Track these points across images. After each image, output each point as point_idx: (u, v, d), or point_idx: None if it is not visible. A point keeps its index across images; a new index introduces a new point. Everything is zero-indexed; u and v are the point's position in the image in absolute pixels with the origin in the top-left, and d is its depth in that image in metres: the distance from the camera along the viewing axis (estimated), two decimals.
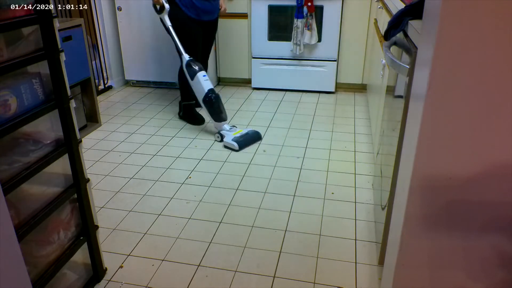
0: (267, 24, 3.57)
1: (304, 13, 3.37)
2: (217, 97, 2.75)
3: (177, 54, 2.88)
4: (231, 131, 2.74)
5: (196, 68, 2.76)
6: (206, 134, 2.87)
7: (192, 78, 2.76)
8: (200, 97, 2.76)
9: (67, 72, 1.30)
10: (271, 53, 3.66)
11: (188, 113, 3.08)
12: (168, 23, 2.78)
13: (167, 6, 2.77)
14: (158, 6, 2.78)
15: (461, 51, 0.79)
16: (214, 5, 2.90)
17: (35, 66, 1.21)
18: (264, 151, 2.54)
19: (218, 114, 2.74)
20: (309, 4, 3.34)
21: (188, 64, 2.77)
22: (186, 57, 2.79)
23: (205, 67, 3.20)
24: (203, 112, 3.02)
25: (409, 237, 0.99)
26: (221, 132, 2.73)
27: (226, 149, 2.63)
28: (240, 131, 2.73)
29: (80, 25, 2.74)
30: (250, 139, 2.71)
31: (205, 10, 2.85)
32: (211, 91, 2.74)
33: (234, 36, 3.69)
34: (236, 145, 2.61)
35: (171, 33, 2.79)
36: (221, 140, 2.71)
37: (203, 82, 2.75)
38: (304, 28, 3.43)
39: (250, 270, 1.63)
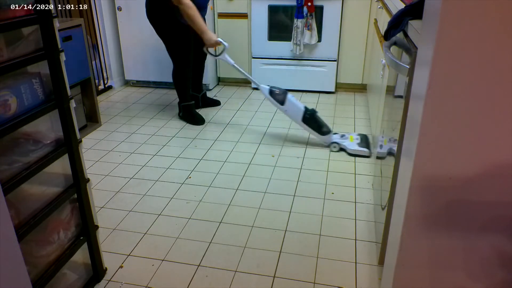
0: (267, 24, 3.57)
1: (304, 13, 3.37)
2: (314, 111, 2.66)
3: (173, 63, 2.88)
4: (346, 139, 2.65)
5: (282, 92, 2.68)
6: (206, 134, 2.87)
7: (282, 104, 2.66)
8: (298, 118, 2.65)
9: (67, 72, 1.30)
10: (271, 53, 3.66)
11: (188, 114, 3.08)
12: (232, 61, 2.76)
13: (227, 45, 2.71)
14: (215, 48, 2.72)
15: (461, 51, 0.79)
16: (205, 13, 2.90)
17: (35, 66, 1.22)
18: (273, 156, 2.53)
19: (323, 127, 2.65)
20: (309, 4, 3.34)
21: (272, 92, 2.68)
22: (264, 86, 2.71)
23: (202, 70, 3.22)
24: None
25: (409, 237, 0.99)
26: (336, 141, 2.61)
27: (226, 149, 2.63)
28: (352, 137, 2.66)
29: (80, 25, 2.74)
30: (367, 141, 2.65)
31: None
32: (306, 108, 2.66)
33: (234, 36, 3.69)
34: (367, 151, 2.52)
35: (239, 69, 2.75)
36: (338, 150, 2.60)
37: (297, 103, 2.67)
38: (304, 28, 3.43)
39: (250, 270, 1.63)
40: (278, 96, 2.66)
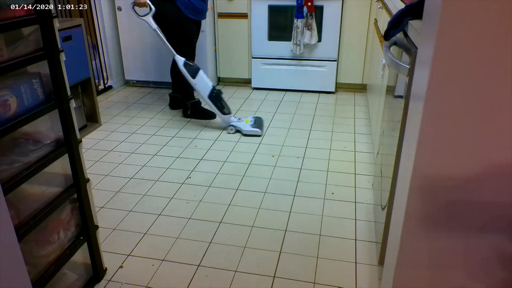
0: (267, 24, 3.57)
1: (304, 13, 3.37)
2: (221, 92, 2.88)
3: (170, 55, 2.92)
4: (242, 121, 2.90)
5: (195, 66, 2.85)
6: (206, 134, 2.87)
7: (194, 77, 2.82)
8: (205, 94, 2.84)
9: (67, 72, 1.30)
10: (271, 53, 3.66)
11: (198, 110, 3.14)
12: (154, 25, 2.81)
13: (153, 8, 2.78)
14: (142, 9, 2.77)
15: (461, 51, 0.79)
16: (207, 5, 3.00)
17: (35, 66, 1.21)
18: (273, 156, 2.54)
19: (224, 108, 2.88)
20: (309, 4, 3.34)
21: (186, 64, 2.83)
22: (180, 58, 2.84)
23: None
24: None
25: (409, 237, 0.99)
26: (233, 124, 2.86)
27: (226, 149, 2.63)
28: (247, 120, 2.91)
29: (80, 25, 2.74)
30: (261, 123, 2.92)
31: (201, 10, 2.94)
32: (214, 87, 2.86)
33: (234, 36, 3.69)
34: (259, 131, 2.80)
35: (159, 34, 2.82)
36: (235, 132, 2.85)
37: (206, 79, 2.86)
38: (304, 28, 3.43)
39: (250, 270, 1.63)
40: (191, 70, 2.83)
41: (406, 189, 0.95)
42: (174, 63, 3.10)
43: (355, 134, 2.84)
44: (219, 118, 2.92)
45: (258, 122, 2.91)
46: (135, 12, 2.82)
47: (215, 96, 2.85)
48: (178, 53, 2.91)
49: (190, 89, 3.07)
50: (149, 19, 2.79)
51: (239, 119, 2.95)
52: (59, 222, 1.37)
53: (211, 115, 3.12)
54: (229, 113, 2.90)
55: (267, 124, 3.02)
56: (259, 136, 2.81)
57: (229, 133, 2.86)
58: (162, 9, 2.82)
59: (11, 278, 1.02)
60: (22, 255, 1.05)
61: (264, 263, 1.66)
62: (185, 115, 3.19)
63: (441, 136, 0.86)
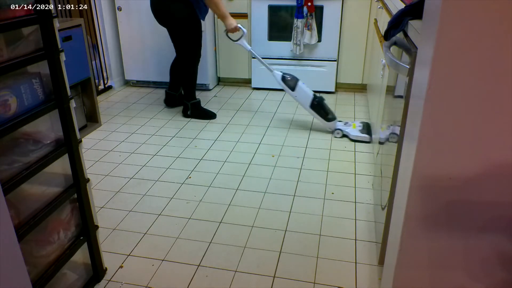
0: (267, 24, 3.57)
1: (304, 13, 3.37)
2: (322, 99, 2.84)
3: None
4: (349, 126, 2.83)
5: (293, 79, 2.85)
6: (206, 134, 2.87)
7: (293, 89, 2.83)
8: (306, 104, 2.83)
9: (67, 72, 1.30)
10: (271, 53, 3.66)
11: (198, 111, 3.16)
12: (249, 47, 2.96)
13: (245, 31, 2.93)
14: (234, 34, 2.91)
15: (461, 51, 0.79)
16: (206, 14, 3.04)
17: (35, 66, 1.21)
18: (273, 156, 2.54)
19: (329, 114, 2.82)
20: (309, 4, 3.34)
21: (284, 78, 2.85)
22: (277, 73, 2.87)
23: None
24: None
25: (409, 237, 0.99)
26: (339, 128, 2.80)
27: (226, 149, 2.63)
28: (355, 125, 2.84)
29: (80, 25, 2.74)
30: (369, 128, 2.80)
31: (207, 11, 2.99)
32: (315, 95, 2.84)
33: (234, 36, 3.69)
34: (367, 137, 2.71)
35: (255, 55, 2.98)
36: (341, 136, 2.79)
37: (306, 89, 2.85)
38: (304, 28, 3.43)
39: (250, 270, 1.63)
40: (290, 82, 2.83)
41: (406, 189, 0.95)
42: (176, 61, 3.15)
43: None
44: (324, 125, 2.85)
45: (366, 127, 2.79)
46: (229, 37, 2.95)
47: (317, 105, 2.80)
48: (189, 55, 2.98)
49: (192, 89, 3.09)
50: (243, 42, 2.95)
51: (346, 123, 2.87)
52: (59, 222, 1.37)
53: (211, 115, 3.14)
54: (334, 118, 2.82)
55: (267, 124, 3.02)
56: (368, 142, 2.69)
57: (336, 137, 2.79)
58: (176, 11, 2.82)
59: (11, 278, 1.02)
60: (22, 255, 1.05)
61: (264, 263, 1.66)
62: (185, 115, 3.20)
63: (441, 136, 0.86)
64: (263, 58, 3.68)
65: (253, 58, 3.70)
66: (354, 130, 2.76)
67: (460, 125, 0.84)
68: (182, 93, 3.28)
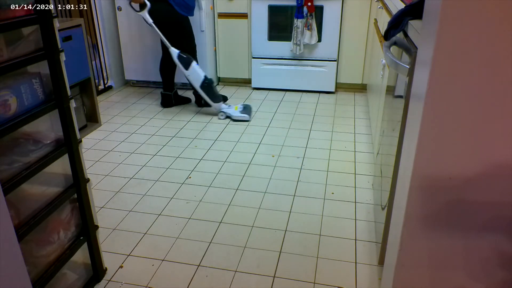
0: (267, 24, 3.57)
1: (304, 13, 3.37)
2: (212, 81, 3.09)
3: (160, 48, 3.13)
4: (232, 108, 3.12)
5: (189, 58, 3.02)
6: (206, 134, 2.87)
7: (187, 68, 3.02)
8: (197, 84, 3.05)
9: (67, 72, 1.30)
10: (271, 53, 3.66)
11: (175, 98, 3.37)
12: (150, 20, 2.96)
13: (148, 4, 2.91)
14: (137, 4, 2.93)
15: (461, 51, 0.79)
16: (195, 2, 3.15)
17: (35, 66, 1.22)
18: (273, 156, 2.54)
19: (216, 96, 3.09)
20: (309, 4, 3.34)
21: (180, 56, 3.01)
22: (174, 50, 3.01)
23: (174, 68, 3.35)
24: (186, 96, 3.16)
25: (409, 237, 0.99)
26: (223, 111, 3.09)
27: (226, 149, 2.63)
28: (237, 107, 3.13)
29: (80, 25, 2.74)
30: (249, 109, 3.15)
31: (192, 7, 3.09)
32: (206, 77, 3.06)
33: (234, 36, 3.69)
34: (247, 116, 3.03)
35: (155, 28, 2.98)
36: (225, 118, 3.08)
37: (198, 70, 3.06)
38: (304, 28, 3.43)
39: (250, 270, 1.63)
40: (185, 61, 3.02)
41: (406, 189, 0.95)
42: (163, 61, 3.25)
43: (355, 134, 2.85)
44: (212, 106, 3.11)
45: (246, 109, 3.12)
46: (132, 7, 2.96)
47: (207, 86, 3.04)
48: (187, 50, 3.05)
49: (170, 80, 3.28)
50: (145, 14, 2.94)
51: (229, 106, 3.15)
52: (59, 222, 1.37)
53: (188, 99, 3.42)
54: (220, 101, 3.09)
55: (267, 124, 3.02)
56: (247, 121, 3.03)
57: (220, 118, 3.08)
58: (157, 10, 2.93)
59: (11, 278, 1.02)
60: (22, 255, 1.05)
61: (264, 263, 1.66)
62: (199, 105, 3.36)
63: (441, 136, 0.86)
64: (263, 58, 3.69)
65: (253, 58, 3.70)
66: (236, 112, 3.08)
67: (460, 125, 0.84)
68: (177, 92, 3.42)
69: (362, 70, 3.62)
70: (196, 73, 3.04)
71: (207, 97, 3.06)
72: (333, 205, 2.04)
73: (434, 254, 0.98)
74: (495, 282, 0.97)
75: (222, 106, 3.10)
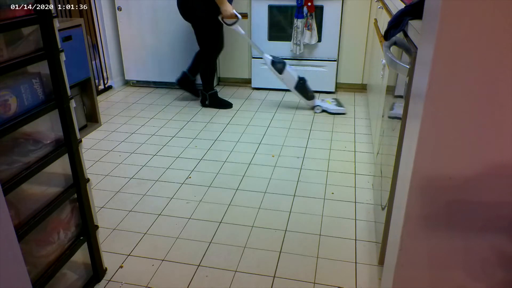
0: (267, 24, 3.57)
1: (304, 13, 3.37)
2: (305, 80, 3.20)
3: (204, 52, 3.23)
4: (325, 102, 3.28)
5: (282, 63, 3.14)
6: (206, 134, 2.87)
7: (281, 72, 3.14)
8: (291, 86, 3.18)
9: (67, 72, 1.30)
10: (271, 53, 3.65)
11: (216, 100, 3.35)
12: (242, 31, 3.16)
13: (239, 17, 3.08)
14: (231, 20, 3.07)
15: (461, 51, 0.79)
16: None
17: (35, 66, 1.21)
18: (273, 156, 2.54)
19: (310, 93, 3.22)
20: (309, 4, 3.34)
21: (273, 62, 3.14)
22: (268, 56, 3.16)
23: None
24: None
25: (409, 237, 0.99)
26: (319, 105, 3.25)
27: (226, 149, 2.63)
28: (328, 101, 3.31)
29: (80, 25, 2.74)
30: (341, 102, 3.31)
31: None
32: (299, 77, 3.18)
33: (234, 36, 3.69)
34: (343, 109, 3.22)
35: (248, 39, 3.28)
36: (321, 111, 3.25)
37: (292, 72, 3.18)
38: (304, 28, 3.42)
39: (250, 270, 1.63)
40: (278, 66, 3.14)
41: (406, 189, 0.95)
42: (204, 59, 3.28)
43: (355, 134, 2.85)
44: (305, 103, 3.28)
45: (339, 102, 3.28)
46: (224, 22, 3.08)
47: (301, 86, 3.17)
48: (210, 48, 3.15)
49: (210, 80, 3.27)
50: (237, 27, 3.11)
51: (322, 100, 3.31)
52: (59, 222, 1.37)
53: (228, 105, 3.34)
54: (313, 97, 3.25)
55: (267, 124, 3.02)
56: (344, 114, 3.20)
57: (316, 112, 3.23)
58: (200, 8, 2.97)
59: (11, 278, 1.02)
60: (22, 255, 1.05)
61: (264, 263, 1.66)
62: (203, 104, 3.37)
63: (441, 136, 0.86)
64: (263, 58, 3.69)
65: (253, 58, 3.70)
66: (332, 106, 3.21)
67: (460, 125, 0.84)
68: (194, 80, 3.47)
69: (362, 70, 3.62)
70: (290, 76, 3.15)
71: (301, 96, 3.20)
72: (333, 205, 2.04)
73: (434, 254, 0.98)
74: (495, 282, 0.97)
75: (316, 101, 3.24)
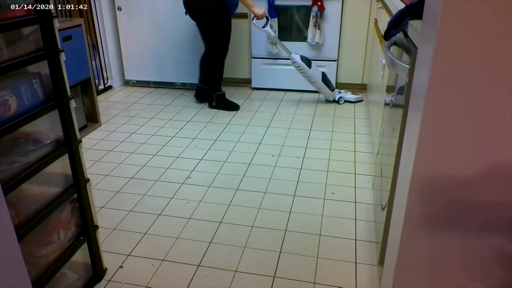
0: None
1: (314, 13, 3.39)
2: (325, 74, 3.41)
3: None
4: (343, 93, 3.49)
5: (308, 59, 3.27)
6: (206, 134, 2.87)
7: (310, 67, 3.25)
8: (319, 79, 3.32)
9: (67, 72, 1.30)
10: (271, 53, 3.66)
11: (223, 102, 3.31)
12: (273, 34, 3.25)
13: (270, 19, 3.19)
14: (262, 21, 3.12)
15: (461, 51, 0.79)
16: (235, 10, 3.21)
17: (35, 66, 1.22)
18: (273, 156, 2.54)
19: (332, 85, 3.43)
20: (319, 3, 3.36)
21: (302, 59, 3.22)
22: (296, 54, 3.21)
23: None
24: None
25: (409, 237, 0.99)
26: (342, 96, 3.44)
27: (226, 149, 2.63)
28: (346, 92, 3.52)
29: (80, 25, 2.74)
30: (355, 92, 3.55)
31: (236, 7, 3.12)
32: (323, 73, 3.37)
33: (234, 36, 3.69)
34: (361, 96, 3.47)
35: (279, 41, 3.30)
36: (344, 102, 3.45)
37: (317, 68, 3.33)
38: (314, 28, 3.44)
39: (250, 270, 1.63)
40: (307, 62, 3.27)
41: (406, 189, 0.95)
42: (206, 55, 3.28)
43: (355, 134, 2.85)
44: (327, 94, 3.42)
45: (353, 92, 3.53)
46: (256, 25, 3.14)
47: (326, 79, 3.36)
48: (218, 49, 3.13)
49: (218, 81, 3.26)
50: (268, 29, 3.20)
51: (340, 91, 3.49)
52: (59, 222, 1.37)
53: (235, 106, 3.31)
54: (334, 89, 3.44)
55: (267, 124, 3.02)
56: (362, 101, 3.46)
57: (340, 103, 3.42)
58: (208, 7, 2.95)
59: (11, 278, 1.02)
60: (22, 255, 1.05)
61: (264, 263, 1.66)
62: (210, 106, 3.35)
63: (441, 136, 0.86)
64: (264, 58, 3.69)
65: (253, 58, 3.70)
66: (352, 96, 3.46)
67: (460, 125, 0.84)
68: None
69: (362, 70, 3.62)
70: (317, 70, 3.30)
71: (326, 88, 3.36)
72: (333, 205, 2.04)
73: (434, 254, 0.98)
74: (495, 282, 0.97)
75: (336, 92, 3.44)
